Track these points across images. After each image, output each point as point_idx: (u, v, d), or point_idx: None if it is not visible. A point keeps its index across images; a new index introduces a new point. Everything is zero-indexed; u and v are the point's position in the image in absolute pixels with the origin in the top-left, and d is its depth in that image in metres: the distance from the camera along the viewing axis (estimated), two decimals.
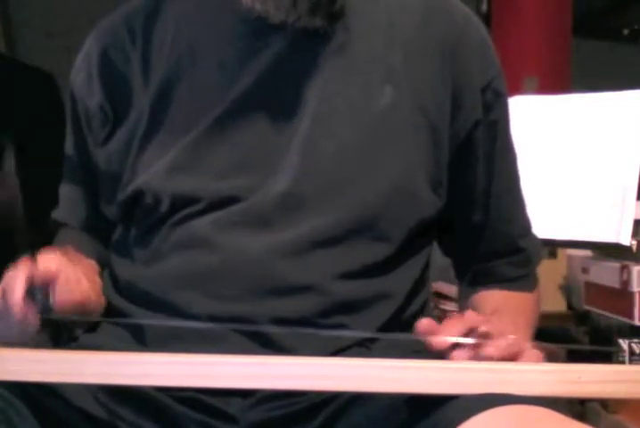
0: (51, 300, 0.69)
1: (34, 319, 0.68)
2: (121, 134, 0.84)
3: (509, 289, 0.89)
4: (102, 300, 0.80)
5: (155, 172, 0.80)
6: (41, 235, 0.93)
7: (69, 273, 0.72)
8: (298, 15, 0.76)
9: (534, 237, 0.92)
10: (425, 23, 0.83)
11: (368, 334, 0.76)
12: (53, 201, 0.94)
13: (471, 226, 0.88)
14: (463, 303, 0.91)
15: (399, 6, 0.83)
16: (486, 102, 0.84)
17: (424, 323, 0.65)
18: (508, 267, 0.89)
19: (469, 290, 0.91)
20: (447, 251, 0.93)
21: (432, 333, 0.64)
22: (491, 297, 0.88)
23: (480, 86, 0.84)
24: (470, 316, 0.67)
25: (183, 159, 0.79)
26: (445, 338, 0.63)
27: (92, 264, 0.87)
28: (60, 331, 0.73)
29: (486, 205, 0.87)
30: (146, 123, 0.82)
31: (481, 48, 0.85)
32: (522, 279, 0.90)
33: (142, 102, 0.82)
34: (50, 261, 0.70)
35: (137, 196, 0.81)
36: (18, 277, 0.68)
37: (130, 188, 0.81)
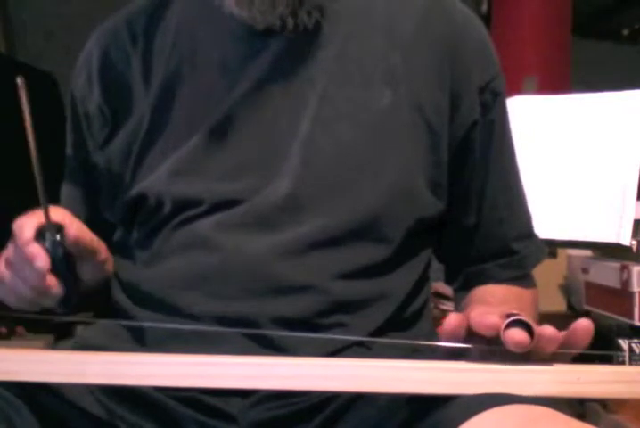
0: (62, 239, 0.71)
1: (46, 260, 0.68)
2: (122, 136, 0.84)
3: (507, 284, 0.88)
4: (109, 254, 0.83)
5: (158, 176, 0.80)
6: None
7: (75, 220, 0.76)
8: (279, 15, 0.77)
9: (534, 241, 0.90)
10: (425, 23, 0.83)
11: (367, 338, 0.76)
12: (53, 201, 0.94)
13: (464, 228, 0.87)
14: (461, 305, 0.88)
15: (399, 7, 0.84)
16: (484, 103, 0.84)
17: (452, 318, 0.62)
18: (499, 269, 0.87)
19: (464, 292, 0.89)
20: (439, 255, 0.91)
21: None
22: (492, 290, 0.87)
23: (479, 85, 0.83)
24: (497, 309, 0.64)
25: (185, 162, 0.79)
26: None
27: None
28: (68, 294, 0.73)
29: (480, 206, 0.86)
30: (147, 126, 0.82)
31: (481, 48, 0.85)
32: (516, 280, 0.88)
33: (142, 104, 0.83)
34: (57, 209, 0.74)
35: (140, 199, 0.81)
36: (28, 219, 0.71)
37: (132, 191, 0.81)
